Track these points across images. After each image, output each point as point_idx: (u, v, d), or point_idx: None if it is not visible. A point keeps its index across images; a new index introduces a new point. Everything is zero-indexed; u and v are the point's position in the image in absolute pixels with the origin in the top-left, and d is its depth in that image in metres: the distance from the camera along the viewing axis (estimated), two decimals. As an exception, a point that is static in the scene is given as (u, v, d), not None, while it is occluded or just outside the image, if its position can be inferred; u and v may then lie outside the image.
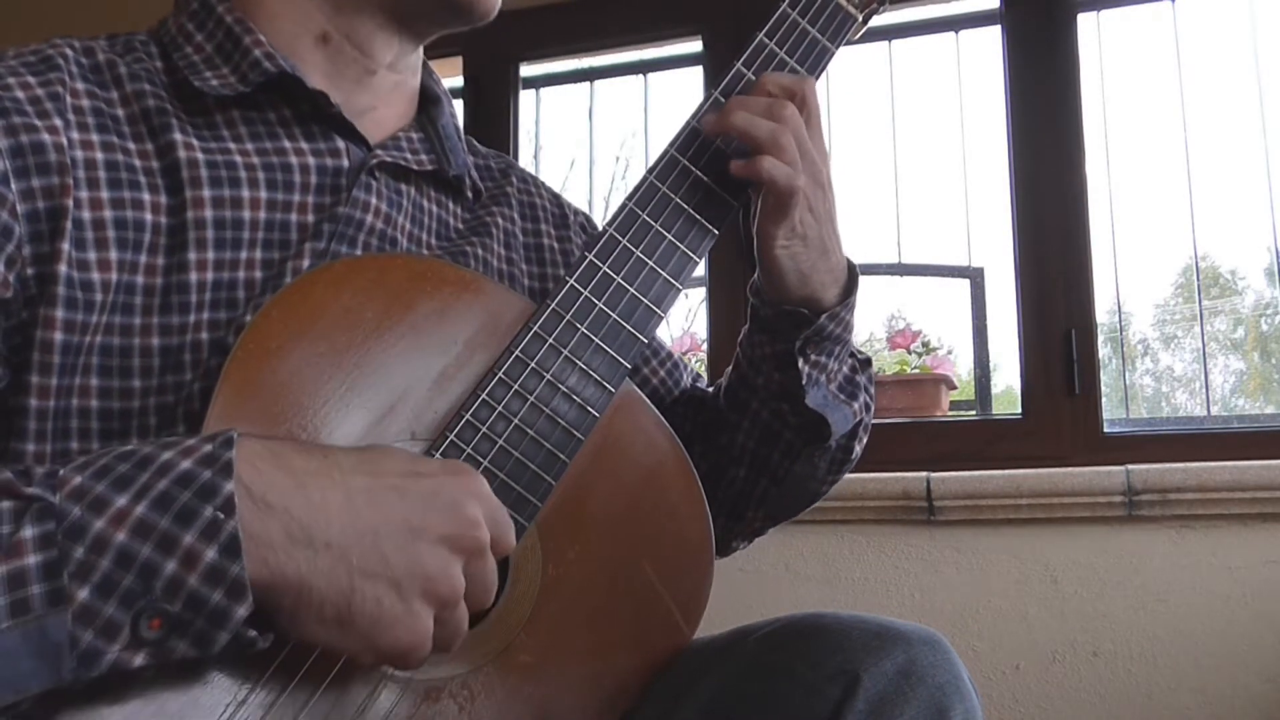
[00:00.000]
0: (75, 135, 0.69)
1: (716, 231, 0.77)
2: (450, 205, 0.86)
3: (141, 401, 0.67)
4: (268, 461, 0.55)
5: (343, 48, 0.79)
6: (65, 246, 0.66)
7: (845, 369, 0.86)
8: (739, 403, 0.87)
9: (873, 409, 0.89)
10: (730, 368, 0.90)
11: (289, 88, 0.77)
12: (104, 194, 0.68)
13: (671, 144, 0.77)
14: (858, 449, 0.88)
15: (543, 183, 0.97)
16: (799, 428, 0.84)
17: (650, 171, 0.76)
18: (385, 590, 0.55)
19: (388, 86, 0.83)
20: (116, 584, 0.50)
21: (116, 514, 0.51)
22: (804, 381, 0.80)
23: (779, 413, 0.84)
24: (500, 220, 0.88)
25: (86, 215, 0.67)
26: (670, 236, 0.75)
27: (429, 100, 0.87)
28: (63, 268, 0.66)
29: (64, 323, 0.66)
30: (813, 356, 0.81)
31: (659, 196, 0.76)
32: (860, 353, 0.89)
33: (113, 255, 0.68)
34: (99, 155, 0.69)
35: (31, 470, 0.53)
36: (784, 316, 0.81)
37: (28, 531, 0.50)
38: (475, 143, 0.94)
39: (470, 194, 0.87)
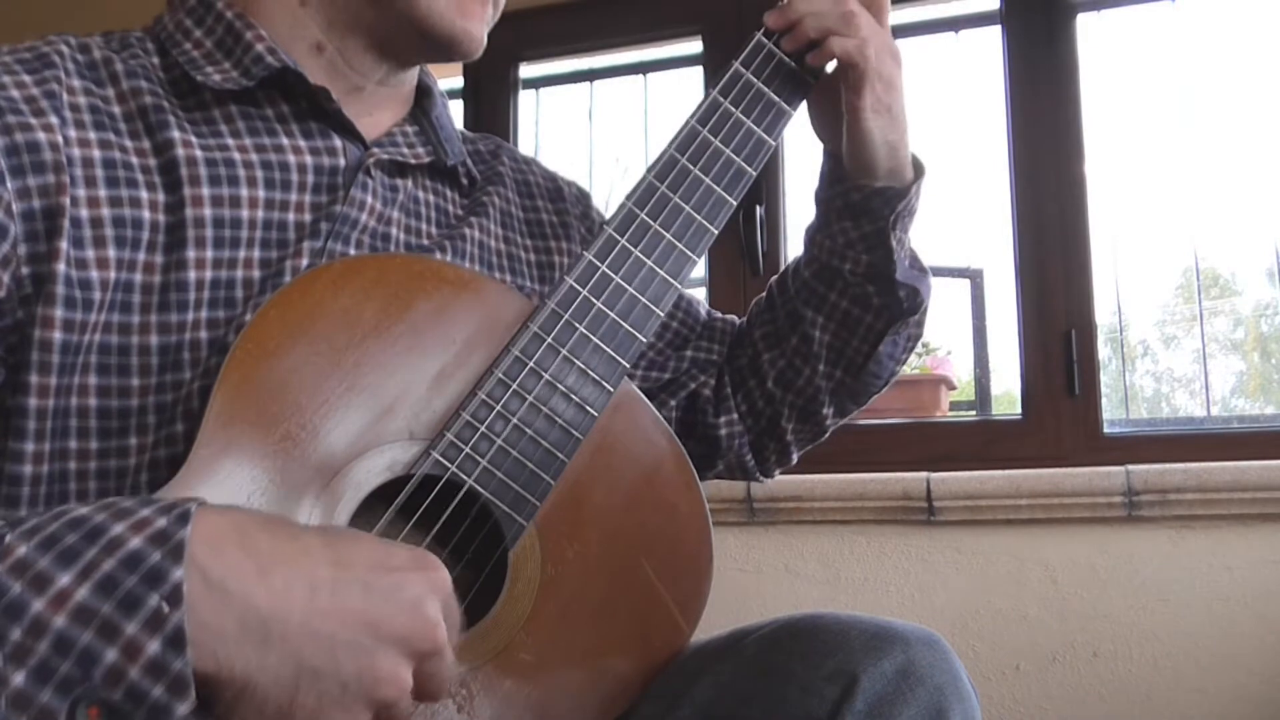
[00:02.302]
0: (72, 133, 0.69)
1: (715, 230, 0.77)
2: (448, 193, 0.87)
3: (140, 400, 0.67)
4: (230, 540, 0.51)
5: (335, 60, 0.80)
6: (63, 245, 0.66)
7: (912, 248, 0.91)
8: (814, 298, 0.91)
9: None
10: (800, 266, 0.93)
11: (289, 84, 0.77)
12: (101, 192, 0.68)
13: (671, 143, 0.78)
14: (924, 326, 0.94)
15: (534, 160, 0.99)
16: (880, 309, 0.89)
17: (649, 171, 0.77)
18: (329, 688, 0.52)
19: (380, 97, 0.83)
20: (54, 670, 0.47)
21: (58, 595, 0.48)
22: (895, 257, 0.86)
23: (863, 297, 0.89)
24: (496, 200, 0.89)
25: (84, 214, 0.67)
26: (669, 235, 0.76)
27: (422, 93, 0.88)
28: (61, 266, 0.65)
29: (63, 322, 0.66)
30: (898, 233, 0.86)
31: (658, 196, 0.76)
32: None
33: (111, 254, 0.68)
34: (96, 153, 0.69)
35: None
36: (874, 196, 0.85)
37: None
38: (465, 131, 0.95)
39: (466, 180, 0.88)
